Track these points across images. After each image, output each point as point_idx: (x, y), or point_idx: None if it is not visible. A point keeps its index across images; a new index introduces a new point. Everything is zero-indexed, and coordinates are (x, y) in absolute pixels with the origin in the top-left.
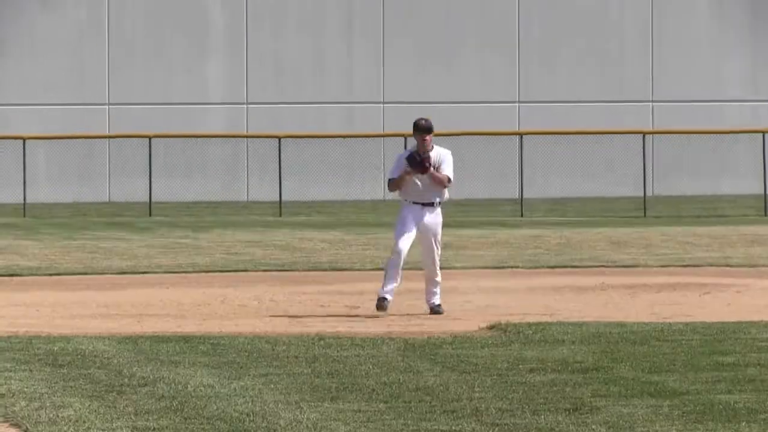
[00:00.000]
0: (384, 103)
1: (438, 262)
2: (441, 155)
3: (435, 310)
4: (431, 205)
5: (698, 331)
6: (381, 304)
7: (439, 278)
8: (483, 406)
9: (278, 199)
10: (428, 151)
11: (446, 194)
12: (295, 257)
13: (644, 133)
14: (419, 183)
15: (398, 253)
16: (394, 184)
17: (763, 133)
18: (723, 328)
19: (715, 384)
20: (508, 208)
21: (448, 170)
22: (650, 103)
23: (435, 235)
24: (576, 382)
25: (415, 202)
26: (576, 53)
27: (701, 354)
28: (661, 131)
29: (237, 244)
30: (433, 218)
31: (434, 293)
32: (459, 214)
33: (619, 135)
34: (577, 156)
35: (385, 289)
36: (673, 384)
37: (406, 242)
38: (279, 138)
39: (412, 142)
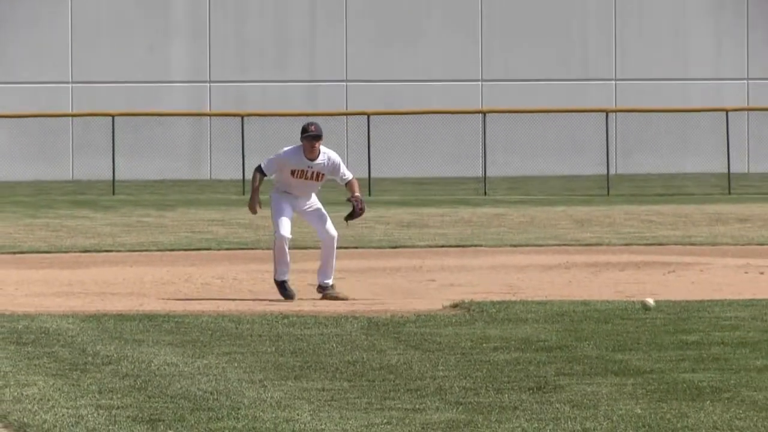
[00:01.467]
0: (347, 81)
1: (335, 237)
2: (332, 161)
3: (325, 292)
4: (311, 196)
5: (662, 309)
6: (288, 292)
7: (334, 258)
8: (447, 384)
9: (242, 178)
10: (315, 158)
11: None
12: (258, 235)
13: (607, 111)
14: (303, 186)
15: (282, 237)
16: (254, 190)
17: (726, 111)
18: (687, 307)
19: (679, 362)
20: (471, 187)
21: (348, 174)
22: (613, 82)
23: (321, 214)
24: (540, 360)
25: (294, 195)
26: (538, 31)
27: (665, 332)
28: (624, 109)
29: (200, 223)
30: (311, 201)
31: (328, 272)
32: (421, 193)
33: (582, 113)
34: (540, 134)
35: (279, 272)
36: (637, 362)
37: (287, 227)
38: (242, 116)
39: (375, 121)
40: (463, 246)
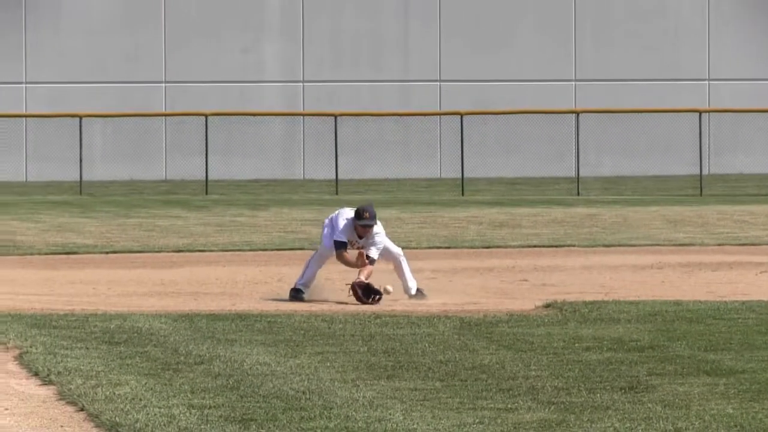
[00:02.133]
0: (440, 81)
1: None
2: (371, 239)
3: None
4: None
5: (754, 309)
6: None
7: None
8: (539, 384)
9: (334, 178)
10: (362, 238)
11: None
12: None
13: (700, 112)
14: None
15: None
16: (346, 257)
17: None
18: None
19: None
20: (564, 187)
21: (373, 256)
22: (706, 82)
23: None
24: (632, 360)
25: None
26: (631, 32)
27: (757, 333)
28: (717, 110)
29: (293, 223)
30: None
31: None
32: (514, 193)
33: (675, 113)
34: (633, 134)
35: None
36: (729, 362)
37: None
38: (335, 116)
39: (468, 121)
40: (555, 246)
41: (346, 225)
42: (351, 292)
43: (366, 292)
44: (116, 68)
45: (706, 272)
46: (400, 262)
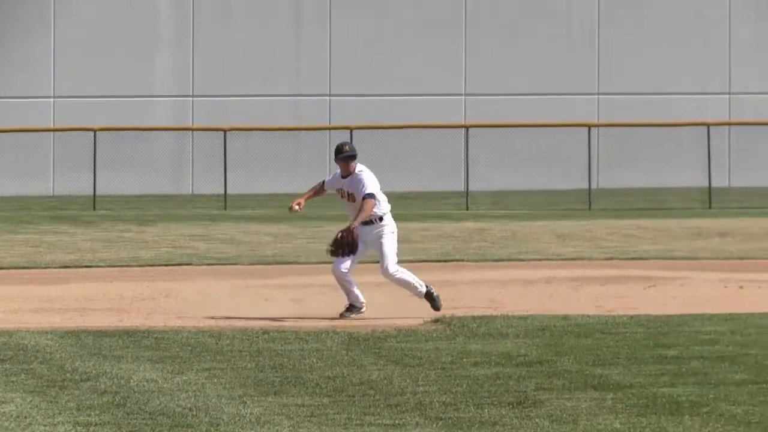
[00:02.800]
0: (331, 95)
1: (389, 266)
2: (357, 178)
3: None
4: (370, 222)
5: (642, 324)
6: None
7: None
8: (427, 399)
9: (223, 193)
10: (350, 174)
11: (382, 208)
12: (240, 250)
13: (590, 126)
14: (349, 207)
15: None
16: (306, 193)
17: (708, 125)
18: (667, 321)
19: (658, 377)
20: (453, 201)
21: (363, 190)
22: (596, 96)
23: (380, 245)
24: (520, 375)
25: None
26: (522, 46)
27: (645, 347)
28: (606, 124)
29: (181, 238)
30: (373, 231)
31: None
32: (404, 207)
33: (564, 128)
34: (523, 149)
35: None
36: (617, 377)
37: (346, 264)
38: (225, 131)
39: (359, 135)
40: (445, 261)
41: (329, 180)
42: (340, 236)
43: (339, 244)
44: (3, 82)
45: (595, 286)
46: (392, 278)
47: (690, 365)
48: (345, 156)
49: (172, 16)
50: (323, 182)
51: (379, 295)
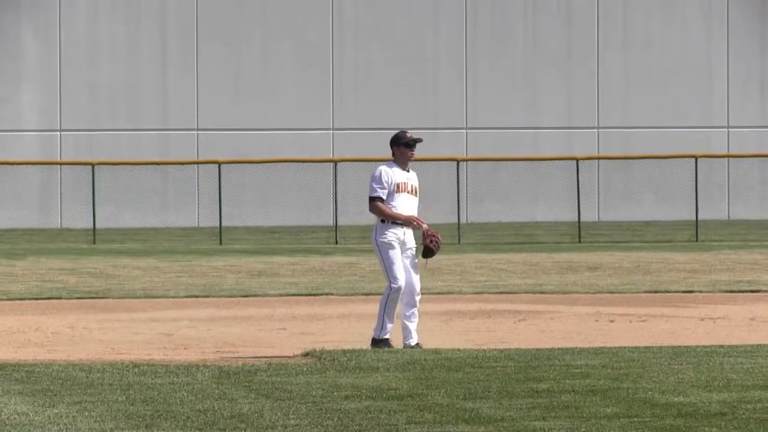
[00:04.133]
0: (198, 130)
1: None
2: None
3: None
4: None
5: (513, 357)
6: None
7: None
8: None
9: (92, 226)
10: (408, 169)
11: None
12: (109, 284)
13: (458, 160)
14: (407, 203)
15: (399, 288)
16: (384, 212)
17: (577, 160)
18: (537, 355)
19: (530, 410)
20: (322, 236)
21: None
22: (464, 131)
23: (415, 262)
24: (391, 409)
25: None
26: (392, 82)
27: (516, 381)
28: (474, 158)
29: (51, 272)
30: (411, 237)
31: (413, 327)
32: (272, 242)
33: (433, 162)
34: None
35: (386, 329)
36: (488, 411)
37: (403, 274)
38: (93, 165)
39: (226, 169)
40: (314, 295)
41: (379, 175)
42: (432, 241)
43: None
44: None
45: (465, 320)
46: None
47: (561, 399)
48: (412, 141)
49: (39, 52)
50: (379, 198)
51: (247, 329)
